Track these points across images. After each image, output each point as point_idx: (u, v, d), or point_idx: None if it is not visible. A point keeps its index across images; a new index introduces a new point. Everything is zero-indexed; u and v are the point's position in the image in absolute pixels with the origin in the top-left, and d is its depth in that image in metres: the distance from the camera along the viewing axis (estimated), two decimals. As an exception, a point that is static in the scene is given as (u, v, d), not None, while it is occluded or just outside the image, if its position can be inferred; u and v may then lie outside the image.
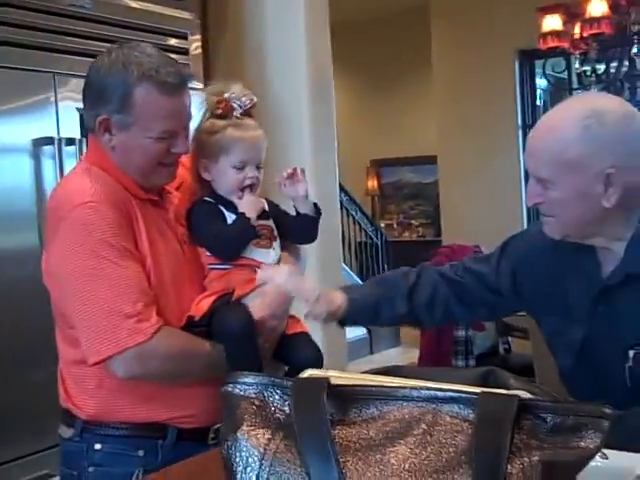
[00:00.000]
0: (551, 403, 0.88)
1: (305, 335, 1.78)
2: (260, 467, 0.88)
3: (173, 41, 3.25)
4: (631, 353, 1.49)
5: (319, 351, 1.77)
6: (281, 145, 3.69)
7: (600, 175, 1.47)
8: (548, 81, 5.38)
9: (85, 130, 1.75)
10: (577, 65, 4.80)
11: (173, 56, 3.14)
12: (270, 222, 1.78)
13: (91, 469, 1.66)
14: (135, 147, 1.65)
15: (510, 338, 4.78)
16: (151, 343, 1.57)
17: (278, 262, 1.76)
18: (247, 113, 1.74)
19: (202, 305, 1.68)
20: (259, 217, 1.73)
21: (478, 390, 0.90)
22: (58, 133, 2.79)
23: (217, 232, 1.69)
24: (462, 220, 6.56)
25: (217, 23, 3.79)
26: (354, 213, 8.01)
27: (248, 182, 1.71)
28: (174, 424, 1.67)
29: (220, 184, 1.73)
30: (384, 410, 0.91)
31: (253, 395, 0.94)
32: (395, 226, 9.82)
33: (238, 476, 0.89)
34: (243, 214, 1.69)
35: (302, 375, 1.00)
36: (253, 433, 0.90)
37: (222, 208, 1.72)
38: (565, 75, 5.79)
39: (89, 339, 1.57)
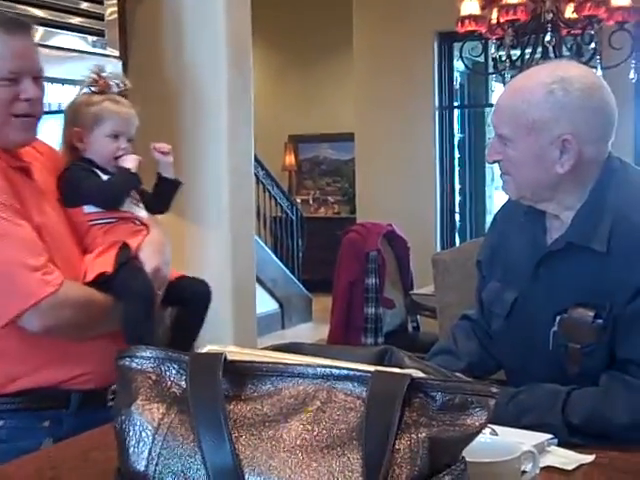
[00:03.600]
0: (440, 382, 0.91)
1: (187, 277, 1.99)
2: (153, 441, 0.88)
3: (86, 5, 3.15)
4: (558, 318, 1.55)
5: (207, 284, 1.99)
6: (197, 118, 3.66)
7: (557, 140, 1.53)
8: (465, 65, 5.46)
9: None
10: (493, 50, 4.88)
11: (86, 20, 3.13)
12: None
13: None
14: None
15: (419, 317, 4.88)
16: (60, 293, 1.60)
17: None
18: (121, 94, 1.93)
19: (107, 259, 1.75)
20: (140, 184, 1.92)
21: (372, 369, 0.92)
22: None
23: (100, 182, 1.84)
24: (377, 198, 6.62)
25: (134, -11, 3.71)
26: (270, 188, 8.00)
27: (121, 152, 1.87)
28: (74, 386, 1.69)
29: (95, 152, 1.88)
30: (279, 386, 0.92)
31: (150, 369, 0.94)
32: (311, 202, 9.85)
33: (130, 450, 0.88)
34: (123, 167, 1.86)
35: (201, 350, 1.00)
36: (148, 407, 0.90)
37: (94, 169, 1.87)
38: (482, 59, 5.89)
39: None
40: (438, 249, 6.51)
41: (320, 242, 8.67)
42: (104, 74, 1.90)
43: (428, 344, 1.93)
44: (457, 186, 7.22)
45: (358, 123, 6.97)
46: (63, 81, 3.07)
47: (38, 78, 1.70)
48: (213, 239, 3.65)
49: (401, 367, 0.99)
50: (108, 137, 1.86)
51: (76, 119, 1.87)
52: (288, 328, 7.26)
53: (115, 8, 3.30)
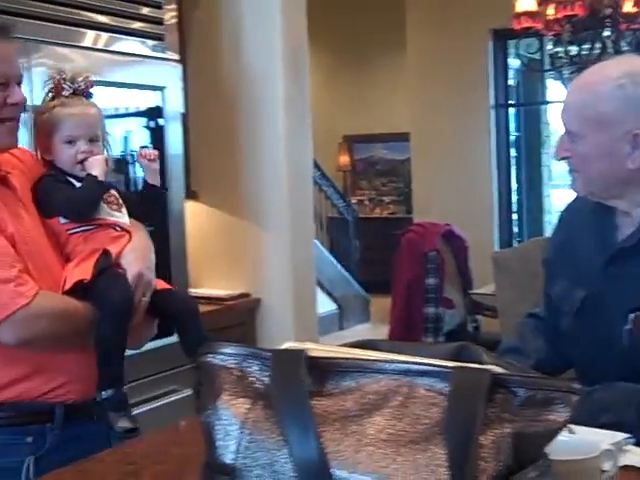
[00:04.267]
0: (522, 378, 0.91)
1: (174, 290, 1.93)
2: (240, 435, 0.90)
3: (146, 10, 3.21)
4: (632, 316, 1.53)
5: (193, 301, 1.95)
6: (255, 120, 3.69)
7: (627, 135, 1.51)
8: (521, 62, 5.41)
9: None
10: (550, 46, 4.83)
11: (147, 25, 3.19)
12: (114, 191, 1.88)
13: None
14: None
15: (479, 316, 4.85)
16: (34, 305, 1.57)
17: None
18: (83, 94, 1.84)
19: (86, 267, 1.71)
20: (109, 189, 1.85)
21: (452, 364, 0.93)
22: (32, 101, 2.76)
23: (69, 195, 1.78)
24: (433, 198, 6.60)
25: (192, -7, 3.77)
26: (326, 189, 8.02)
27: (81, 156, 1.80)
28: (58, 398, 1.67)
29: (59, 161, 1.81)
30: (361, 382, 0.93)
31: (232, 365, 0.96)
32: (366, 202, 9.86)
33: (218, 444, 0.90)
34: (89, 174, 1.78)
35: (281, 347, 1.01)
36: (233, 402, 0.92)
37: (68, 178, 1.81)
38: (538, 56, 5.83)
39: None
40: (496, 248, 6.46)
41: (376, 242, 8.67)
42: (57, 77, 1.82)
43: (490, 344, 1.92)
44: (513, 185, 7.16)
45: (413, 122, 6.95)
46: (125, 85, 3.13)
47: (20, 83, 1.69)
48: (273, 241, 3.68)
49: (480, 363, 0.99)
50: (65, 143, 1.80)
51: (36, 131, 1.84)
52: (346, 329, 7.27)
53: (174, 13, 3.35)
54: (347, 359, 0.95)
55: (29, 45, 2.69)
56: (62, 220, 1.77)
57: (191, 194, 3.68)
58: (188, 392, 3.04)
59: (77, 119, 1.79)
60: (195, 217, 3.67)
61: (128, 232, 1.83)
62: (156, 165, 1.98)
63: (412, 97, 6.95)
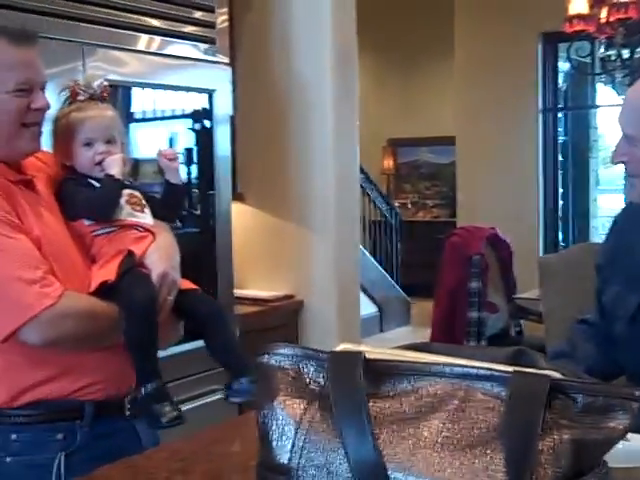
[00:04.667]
0: (581, 383, 0.90)
1: (199, 291, 1.90)
2: (296, 436, 0.90)
3: (199, 14, 3.24)
4: None
5: (218, 303, 1.95)
6: (303, 123, 3.70)
7: None
8: (572, 66, 5.35)
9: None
10: (602, 50, 4.76)
11: (199, 29, 3.22)
12: (137, 192, 1.89)
13: (9, 459, 1.65)
14: None
15: (522, 321, 4.80)
16: (60, 305, 1.58)
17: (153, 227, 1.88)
18: (99, 99, 1.86)
19: (110, 268, 1.72)
20: (127, 187, 1.86)
21: (510, 369, 0.92)
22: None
23: (88, 195, 1.79)
24: (478, 202, 6.56)
25: (243, -3, 3.79)
26: (369, 192, 8.01)
27: (99, 158, 1.82)
28: (88, 396, 1.68)
29: (78, 164, 1.83)
30: (417, 385, 0.93)
31: (288, 366, 0.96)
32: (409, 206, 9.83)
33: (274, 444, 0.91)
34: (106, 174, 1.80)
35: (336, 349, 1.01)
36: (289, 403, 0.92)
37: (89, 180, 1.82)
38: (588, 59, 5.75)
39: None
40: (540, 253, 6.39)
41: (419, 246, 8.64)
42: (71, 83, 1.86)
43: (534, 349, 1.90)
44: (560, 189, 7.08)
45: (459, 126, 6.91)
46: (176, 88, 3.16)
47: (43, 88, 1.72)
48: (319, 243, 3.69)
49: (536, 368, 0.98)
50: (83, 146, 1.81)
51: (54, 137, 1.85)
52: (386, 331, 7.25)
53: (226, 16, 3.37)
54: (404, 362, 0.95)
55: (84, 48, 2.73)
56: (86, 222, 1.79)
57: (238, 196, 3.71)
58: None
59: (93, 122, 1.82)
60: (241, 219, 3.69)
61: (152, 232, 1.84)
62: (176, 164, 1.98)
63: (459, 100, 6.92)
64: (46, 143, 1.85)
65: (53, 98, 1.80)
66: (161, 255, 1.78)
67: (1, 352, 1.61)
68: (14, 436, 1.64)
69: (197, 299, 1.87)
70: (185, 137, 3.29)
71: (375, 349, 1.03)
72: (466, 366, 0.93)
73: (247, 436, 1.65)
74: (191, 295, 1.85)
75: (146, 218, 1.86)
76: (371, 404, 0.91)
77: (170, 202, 1.98)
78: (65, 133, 1.82)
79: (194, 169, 3.28)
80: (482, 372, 0.91)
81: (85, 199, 1.78)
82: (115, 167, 1.80)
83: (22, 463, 1.64)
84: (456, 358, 0.99)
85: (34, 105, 1.67)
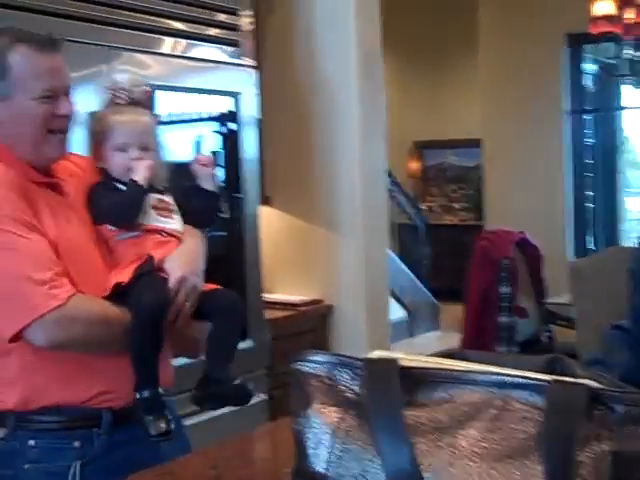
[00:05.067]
0: (621, 393, 0.88)
1: (219, 289, 1.86)
2: (332, 444, 0.89)
3: (223, 16, 3.25)
4: None
5: (236, 301, 1.87)
6: (329, 125, 3.70)
7: None
8: (599, 67, 5.30)
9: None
10: (630, 51, 4.72)
11: (223, 31, 3.22)
12: (167, 197, 1.87)
13: (27, 466, 1.65)
14: (21, 114, 1.66)
15: (552, 326, 4.76)
16: (68, 307, 1.57)
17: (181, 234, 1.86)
18: (138, 103, 1.85)
19: (126, 272, 1.71)
20: (157, 192, 1.84)
21: (547, 377, 0.90)
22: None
23: (112, 200, 1.78)
24: (505, 205, 6.52)
25: (267, 0, 3.80)
26: (396, 195, 7.98)
27: (131, 164, 1.80)
28: (105, 404, 1.67)
29: (111, 168, 1.82)
30: (453, 394, 0.92)
31: (323, 373, 0.95)
32: (436, 209, 9.78)
33: (310, 452, 0.90)
34: (130, 179, 1.79)
35: (370, 355, 1.01)
36: (324, 411, 0.92)
37: (116, 184, 1.82)
38: (614, 61, 5.71)
39: (3, 313, 1.58)
40: (570, 257, 6.34)
41: (446, 249, 8.59)
42: (111, 85, 1.85)
43: (566, 355, 1.88)
44: (588, 192, 7.02)
45: (485, 128, 6.88)
46: (201, 91, 3.17)
47: (68, 93, 1.73)
48: (347, 247, 3.68)
49: (574, 376, 0.97)
50: (117, 150, 1.81)
51: (91, 138, 1.85)
52: (415, 336, 7.21)
53: (250, 19, 3.38)
54: (440, 369, 0.94)
55: (111, 52, 2.75)
56: (110, 227, 1.79)
57: (265, 200, 3.71)
58: (262, 397, 3.05)
59: (128, 127, 1.81)
60: (269, 222, 3.69)
61: (177, 238, 1.83)
62: (210, 170, 1.96)
63: (484, 102, 6.89)
64: (79, 147, 1.87)
65: (85, 101, 1.81)
66: (183, 260, 1.77)
67: (16, 353, 1.61)
68: (32, 442, 1.64)
69: (213, 295, 1.84)
70: (211, 140, 3.29)
71: (410, 356, 1.02)
72: (502, 374, 0.92)
73: (279, 443, 1.66)
74: (209, 293, 1.83)
75: (172, 223, 1.84)
76: (407, 413, 0.90)
77: (202, 208, 1.95)
78: (101, 136, 1.82)
79: (221, 172, 3.29)
80: (519, 381, 0.90)
81: (108, 204, 1.78)
82: (141, 172, 1.79)
83: (40, 470, 1.64)
84: (492, 366, 0.98)
85: (59, 111, 1.69)
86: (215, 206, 2.00)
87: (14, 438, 1.66)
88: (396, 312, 6.81)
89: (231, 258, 3.26)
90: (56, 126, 1.70)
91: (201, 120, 3.35)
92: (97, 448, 1.66)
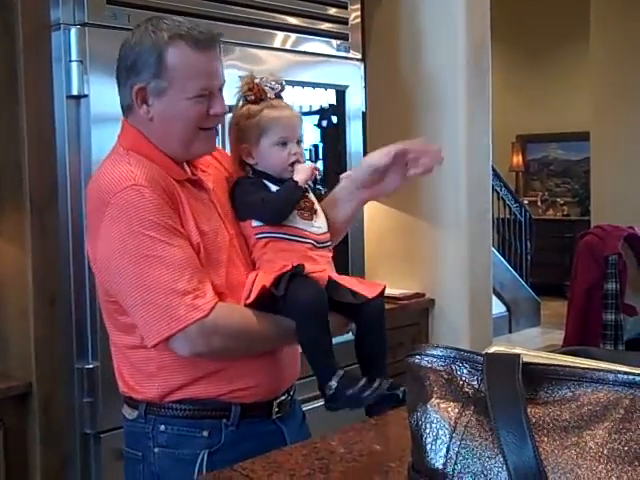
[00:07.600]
0: None
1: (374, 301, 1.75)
2: (451, 440, 0.87)
3: (333, 10, 3.25)
4: None
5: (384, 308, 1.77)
6: (435, 119, 3.65)
7: None
8: None
9: (123, 110, 1.72)
10: None
11: (333, 25, 3.22)
12: (311, 196, 1.83)
13: (157, 450, 1.67)
14: (174, 113, 1.64)
15: (662, 325, 4.59)
16: (210, 319, 1.55)
17: (322, 235, 1.81)
18: (278, 96, 1.81)
19: (272, 277, 1.66)
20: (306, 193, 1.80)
21: (678, 378, 0.86)
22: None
23: (265, 197, 1.74)
24: (614, 200, 6.30)
25: (374, -7, 3.78)
26: (498, 189, 7.85)
27: (293, 158, 1.77)
28: (236, 399, 1.67)
29: (267, 164, 1.78)
30: (577, 392, 0.89)
31: (441, 368, 0.93)
32: (539, 203, 9.58)
33: (428, 447, 0.89)
34: (291, 178, 1.75)
35: (488, 350, 0.98)
36: (443, 406, 0.90)
37: (265, 181, 1.78)
38: None
39: (147, 321, 1.56)
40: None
41: (549, 245, 8.41)
42: (256, 80, 1.79)
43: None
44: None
45: (595, 121, 6.66)
46: (310, 84, 3.18)
47: (221, 90, 1.69)
48: (450, 241, 3.64)
49: None
50: (276, 146, 1.77)
51: (240, 135, 1.79)
52: (515, 332, 7.09)
53: (358, 12, 3.37)
54: (564, 367, 0.90)
55: (222, 47, 2.78)
56: (254, 223, 1.76)
57: (369, 192, 3.69)
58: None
59: (287, 121, 1.78)
60: (372, 216, 3.68)
61: (328, 250, 1.80)
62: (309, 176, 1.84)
63: (594, 94, 6.66)
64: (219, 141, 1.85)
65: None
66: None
67: (157, 351, 1.62)
68: (162, 427, 1.66)
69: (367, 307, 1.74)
70: (317, 133, 3.30)
71: (530, 352, 0.99)
72: (631, 373, 0.88)
73: (388, 436, 1.65)
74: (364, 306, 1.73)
75: (311, 226, 1.79)
76: (529, 410, 0.87)
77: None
78: (255, 131, 1.77)
79: (321, 165, 3.28)
80: (650, 380, 0.86)
81: (262, 199, 1.75)
82: (303, 174, 1.76)
83: (169, 455, 1.66)
84: (619, 364, 0.94)
85: (213, 111, 1.66)
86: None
87: (145, 421, 1.68)
88: (496, 307, 6.71)
89: (335, 252, 3.25)
90: (208, 125, 1.68)
91: (308, 114, 3.35)
92: (224, 439, 1.67)
